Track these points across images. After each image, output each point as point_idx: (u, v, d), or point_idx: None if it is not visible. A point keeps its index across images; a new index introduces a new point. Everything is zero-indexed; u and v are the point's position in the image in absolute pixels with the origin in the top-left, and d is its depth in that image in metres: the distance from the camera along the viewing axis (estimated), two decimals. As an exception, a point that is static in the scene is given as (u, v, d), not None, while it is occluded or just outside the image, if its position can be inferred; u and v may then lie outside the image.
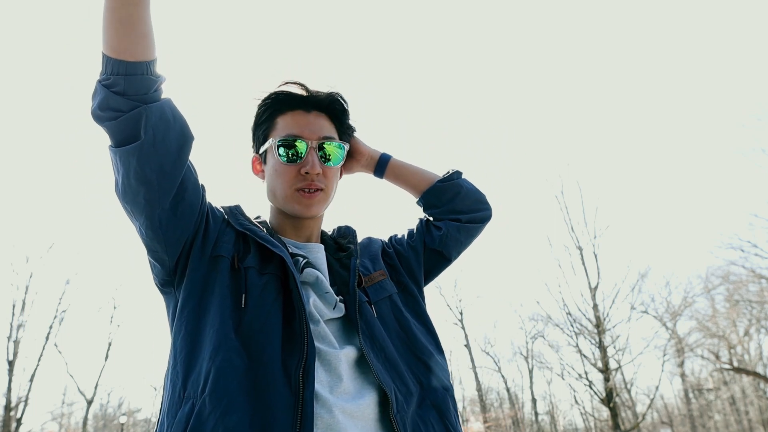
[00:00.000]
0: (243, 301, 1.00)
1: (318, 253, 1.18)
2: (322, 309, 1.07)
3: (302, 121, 1.15)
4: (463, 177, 1.39)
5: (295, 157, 1.13)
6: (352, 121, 1.25)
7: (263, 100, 1.19)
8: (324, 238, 1.27)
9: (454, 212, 1.34)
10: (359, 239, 1.33)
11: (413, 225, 1.40)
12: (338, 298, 1.09)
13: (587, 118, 48.83)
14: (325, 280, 1.11)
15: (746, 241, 17.34)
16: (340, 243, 1.26)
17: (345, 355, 1.02)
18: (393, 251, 1.32)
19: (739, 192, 32.49)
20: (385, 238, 1.39)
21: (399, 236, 1.38)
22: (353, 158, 1.33)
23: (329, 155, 1.16)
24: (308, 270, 1.10)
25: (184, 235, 1.04)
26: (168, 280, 1.08)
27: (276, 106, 1.18)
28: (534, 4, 52.41)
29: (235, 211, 1.17)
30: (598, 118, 50.03)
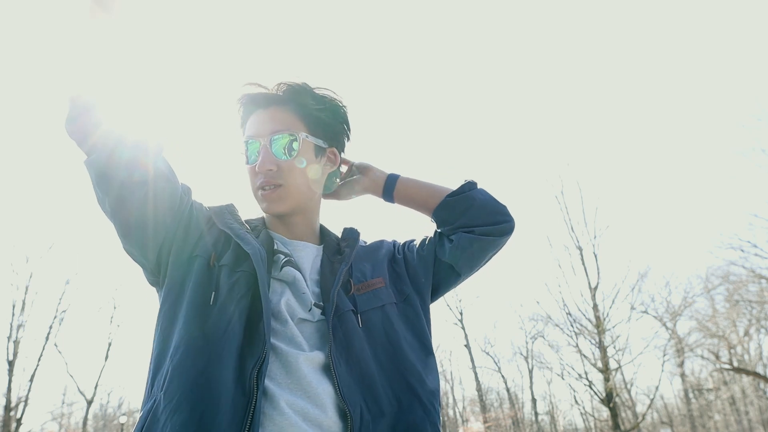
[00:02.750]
0: (212, 299, 0.98)
1: (303, 251, 1.15)
2: (295, 309, 1.04)
3: (257, 121, 1.15)
4: (477, 188, 1.27)
5: (252, 157, 1.14)
6: (336, 118, 1.20)
7: (236, 105, 1.20)
8: (328, 238, 1.23)
9: (467, 226, 1.22)
10: (371, 240, 1.29)
11: (430, 232, 1.31)
12: (313, 301, 1.06)
13: (587, 118, 48.83)
14: (302, 280, 1.08)
15: (746, 241, 17.33)
16: (341, 245, 1.21)
17: (308, 359, 0.98)
18: (402, 257, 1.25)
19: (739, 192, 32.38)
20: (400, 241, 1.32)
21: (412, 243, 1.29)
22: (357, 180, 1.31)
23: (281, 148, 1.12)
24: (287, 269, 1.07)
25: (165, 229, 1.03)
26: (154, 279, 1.09)
27: (244, 110, 1.18)
28: (534, 3, 52.40)
29: (224, 211, 1.14)
30: (598, 118, 50.03)
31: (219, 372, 0.91)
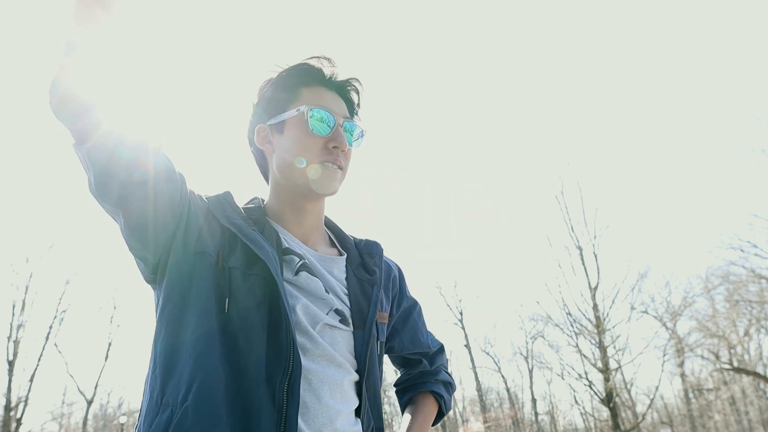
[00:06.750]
0: (226, 306, 0.94)
1: (332, 263, 1.13)
2: (317, 314, 1.02)
3: (328, 97, 1.13)
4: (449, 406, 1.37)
5: (325, 129, 1.08)
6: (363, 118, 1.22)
7: (286, 69, 1.15)
8: (347, 245, 1.20)
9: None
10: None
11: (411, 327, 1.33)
12: (336, 308, 1.05)
13: (587, 118, 48.86)
14: (322, 288, 1.05)
15: (746, 241, 17.32)
16: (366, 260, 1.18)
17: (339, 381, 1.00)
18: (394, 326, 1.28)
19: (739, 192, 32.42)
20: (405, 281, 1.33)
21: (411, 324, 1.32)
22: None
23: (352, 135, 1.13)
24: (303, 275, 1.04)
25: (165, 230, 0.98)
26: (152, 277, 1.04)
27: (300, 77, 1.13)
28: (534, 3, 52.40)
29: (222, 201, 1.09)
30: (598, 118, 50.05)
31: (248, 385, 0.89)
